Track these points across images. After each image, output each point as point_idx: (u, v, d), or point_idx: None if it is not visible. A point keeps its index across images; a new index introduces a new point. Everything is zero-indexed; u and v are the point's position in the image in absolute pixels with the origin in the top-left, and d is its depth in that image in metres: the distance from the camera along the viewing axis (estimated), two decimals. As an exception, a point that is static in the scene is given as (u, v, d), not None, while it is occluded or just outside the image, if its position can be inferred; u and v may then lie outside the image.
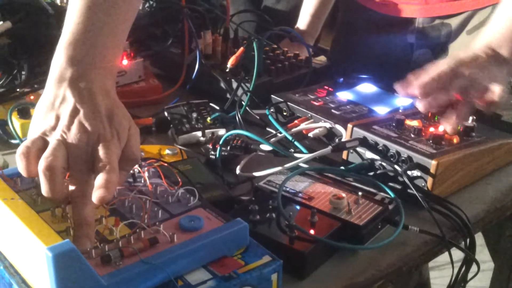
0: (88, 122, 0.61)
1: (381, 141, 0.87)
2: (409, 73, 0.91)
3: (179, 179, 0.69)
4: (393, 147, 0.86)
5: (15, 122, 0.97)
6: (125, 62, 1.13)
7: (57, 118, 0.61)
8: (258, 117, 1.06)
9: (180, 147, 0.94)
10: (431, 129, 0.91)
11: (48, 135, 0.60)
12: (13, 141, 0.98)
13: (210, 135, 0.99)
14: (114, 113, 0.63)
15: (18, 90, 1.09)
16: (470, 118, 0.94)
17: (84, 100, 0.62)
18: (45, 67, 1.11)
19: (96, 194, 0.57)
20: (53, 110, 0.62)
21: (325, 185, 0.81)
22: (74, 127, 0.60)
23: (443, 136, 0.88)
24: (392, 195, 0.80)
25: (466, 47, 1.02)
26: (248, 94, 1.06)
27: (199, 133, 0.99)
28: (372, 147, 0.88)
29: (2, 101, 1.05)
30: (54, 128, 0.61)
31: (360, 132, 0.90)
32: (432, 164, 0.82)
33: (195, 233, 0.60)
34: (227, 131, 0.99)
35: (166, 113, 1.07)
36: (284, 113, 1.06)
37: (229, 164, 0.92)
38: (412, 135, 0.89)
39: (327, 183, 0.82)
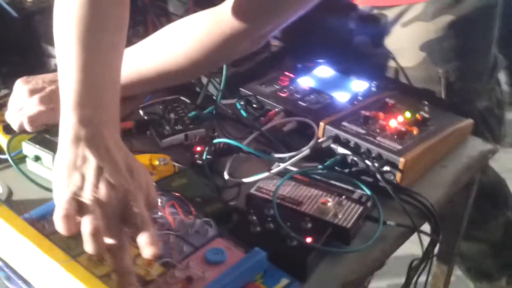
0: (113, 179, 0.67)
1: (352, 139, 0.97)
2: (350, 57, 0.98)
3: (192, 209, 0.77)
4: (364, 145, 0.96)
5: (1, 138, 1.00)
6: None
7: (83, 178, 0.67)
8: (230, 111, 1.14)
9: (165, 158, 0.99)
10: (392, 122, 1.01)
11: (79, 195, 0.66)
12: (1, 156, 1.01)
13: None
14: (131, 165, 0.69)
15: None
16: (426, 105, 1.06)
17: (104, 158, 0.68)
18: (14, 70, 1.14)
19: (149, 252, 0.64)
20: (76, 170, 0.67)
21: (308, 188, 0.91)
22: (102, 186, 0.66)
23: (406, 130, 0.99)
24: (369, 193, 0.91)
25: (401, 39, 1.12)
26: (220, 92, 1.12)
27: (181, 136, 1.05)
28: (345, 144, 0.98)
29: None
30: (81, 187, 0.66)
31: (331, 130, 1.00)
32: (401, 161, 0.93)
33: (221, 265, 0.69)
34: (206, 131, 1.07)
35: (141, 112, 1.13)
36: (254, 105, 1.14)
37: (214, 166, 1.00)
38: (378, 131, 0.99)
39: (309, 185, 0.92)
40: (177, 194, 0.80)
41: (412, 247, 0.93)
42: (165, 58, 0.91)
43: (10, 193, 0.90)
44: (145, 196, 0.69)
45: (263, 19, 0.89)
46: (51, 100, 0.94)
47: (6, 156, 0.99)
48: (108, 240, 0.66)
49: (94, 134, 0.69)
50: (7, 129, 1.01)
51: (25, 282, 0.70)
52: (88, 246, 0.64)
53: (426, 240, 0.92)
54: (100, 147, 0.68)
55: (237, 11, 0.89)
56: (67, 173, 0.67)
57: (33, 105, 0.94)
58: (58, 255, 0.64)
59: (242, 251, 0.72)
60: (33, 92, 0.94)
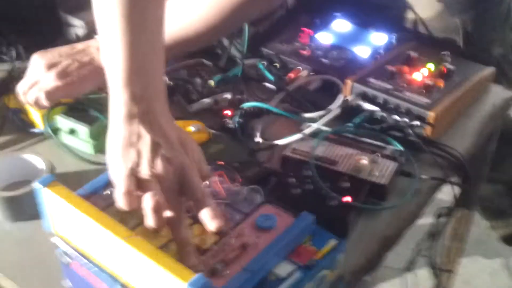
0: (168, 153, 0.69)
1: (381, 95, 0.99)
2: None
3: (236, 176, 0.79)
4: (393, 101, 0.98)
5: (34, 113, 1.01)
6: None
7: (139, 154, 0.68)
8: (254, 72, 1.15)
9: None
10: (417, 75, 1.03)
11: (137, 171, 0.68)
12: (34, 130, 1.02)
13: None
14: (183, 138, 0.71)
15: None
16: (448, 55, 1.07)
17: (158, 134, 0.69)
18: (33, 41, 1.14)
19: (214, 226, 0.66)
20: (131, 147, 0.69)
21: (341, 146, 0.93)
22: (159, 161, 0.68)
23: (433, 84, 1.00)
24: (402, 148, 0.93)
25: None
26: (244, 53, 1.13)
27: (209, 100, 1.07)
28: (373, 101, 1.00)
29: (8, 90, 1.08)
30: (138, 163, 0.68)
31: (359, 87, 1.01)
32: (430, 115, 0.95)
33: (273, 231, 0.72)
34: (232, 93, 1.08)
35: (165, 78, 1.14)
36: (275, 64, 1.15)
37: (245, 129, 1.01)
38: (405, 85, 1.01)
39: (342, 143, 0.94)
40: (221, 162, 0.82)
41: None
42: (182, 25, 0.91)
43: (52, 167, 0.91)
44: (198, 168, 0.71)
45: None
46: (68, 74, 0.94)
47: (41, 130, 1.01)
48: (167, 213, 0.68)
49: (146, 110, 0.70)
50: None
51: (85, 256, 0.72)
52: (150, 220, 0.66)
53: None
54: (154, 122, 0.70)
55: None
56: (122, 150, 0.69)
57: (50, 80, 0.94)
58: (121, 230, 0.67)
59: (291, 215, 0.74)
60: (50, 66, 0.94)
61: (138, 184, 0.68)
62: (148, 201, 0.66)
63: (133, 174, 0.68)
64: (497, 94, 1.10)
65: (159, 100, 0.72)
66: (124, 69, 0.71)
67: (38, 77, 0.96)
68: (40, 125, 1.01)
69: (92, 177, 0.77)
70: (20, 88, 0.97)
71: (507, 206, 1.59)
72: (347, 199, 0.84)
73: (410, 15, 1.20)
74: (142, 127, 0.69)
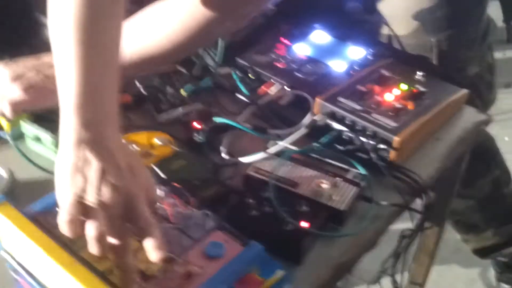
0: (115, 181, 0.68)
1: (348, 116, 0.99)
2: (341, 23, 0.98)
3: (190, 199, 0.79)
4: (360, 123, 0.98)
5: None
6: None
7: (85, 180, 0.68)
8: (227, 82, 1.15)
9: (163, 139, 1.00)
10: (388, 96, 1.02)
11: (82, 198, 0.67)
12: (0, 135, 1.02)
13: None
14: (133, 165, 0.70)
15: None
16: (420, 75, 1.07)
17: (106, 160, 0.68)
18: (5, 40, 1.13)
19: (155, 256, 0.66)
20: (78, 173, 0.68)
21: (303, 167, 0.93)
22: (105, 189, 0.67)
23: (401, 106, 1.00)
24: (364, 172, 0.93)
25: (395, 7, 1.11)
26: (217, 64, 1.13)
27: (178, 111, 1.06)
28: (340, 121, 1.00)
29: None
30: (84, 190, 0.67)
31: (327, 106, 1.01)
32: (395, 140, 0.95)
33: (221, 260, 0.72)
34: (203, 104, 1.08)
35: (138, 84, 1.13)
36: (249, 75, 1.15)
37: (212, 142, 1.01)
38: (374, 106, 1.01)
39: (305, 164, 0.94)
40: (176, 184, 0.81)
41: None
42: (148, 43, 0.90)
43: (12, 176, 0.91)
44: (146, 194, 0.71)
45: (244, 1, 0.88)
46: (32, 86, 0.94)
47: (6, 136, 1.01)
48: (112, 240, 0.68)
49: (96, 136, 0.70)
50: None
51: (30, 275, 0.72)
52: (93, 248, 0.66)
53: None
54: (102, 148, 0.69)
55: None
56: (70, 175, 0.68)
57: (15, 92, 0.93)
58: (61, 255, 0.67)
59: (240, 244, 0.74)
60: (14, 78, 0.94)
61: (83, 210, 0.67)
62: (90, 230, 0.66)
63: (79, 200, 0.67)
64: (469, 117, 1.09)
65: (111, 125, 0.71)
66: (76, 94, 0.70)
67: (2, 89, 0.95)
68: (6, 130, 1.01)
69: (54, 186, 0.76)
70: None
71: (480, 221, 1.60)
72: (304, 224, 0.84)
73: (386, 31, 1.19)
74: (90, 153, 0.69)
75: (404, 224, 0.99)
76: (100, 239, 0.66)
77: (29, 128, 0.98)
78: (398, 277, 1.14)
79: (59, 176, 0.69)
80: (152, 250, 0.67)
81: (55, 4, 0.74)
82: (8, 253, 0.75)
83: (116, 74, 0.74)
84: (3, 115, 0.96)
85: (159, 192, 0.80)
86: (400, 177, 0.96)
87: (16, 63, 0.95)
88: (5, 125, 0.99)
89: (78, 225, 0.66)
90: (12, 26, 1.18)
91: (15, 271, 0.75)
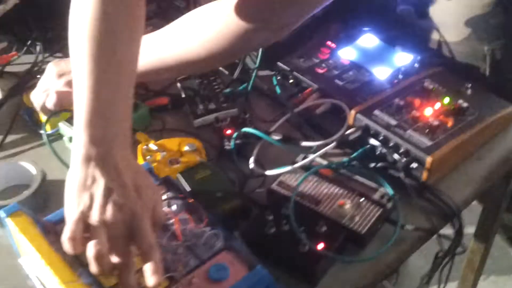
0: (120, 200, 0.69)
1: (382, 131, 0.95)
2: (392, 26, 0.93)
3: (204, 216, 0.79)
4: (394, 139, 0.94)
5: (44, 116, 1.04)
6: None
7: (91, 198, 0.69)
8: (265, 87, 1.13)
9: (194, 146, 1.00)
10: (428, 111, 0.98)
11: (87, 216, 0.68)
12: (41, 132, 1.05)
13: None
14: (139, 185, 0.71)
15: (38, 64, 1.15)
16: (468, 87, 1.01)
17: (113, 178, 0.69)
18: (59, 29, 1.15)
19: (152, 281, 0.66)
20: (86, 190, 0.69)
21: (329, 184, 0.91)
22: (109, 208, 0.68)
23: (439, 123, 0.95)
24: (391, 192, 0.89)
25: (446, 12, 1.05)
26: (255, 69, 1.11)
27: (212, 117, 1.06)
28: (374, 136, 0.96)
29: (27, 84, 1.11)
30: (90, 207, 0.68)
31: (362, 119, 0.97)
32: (427, 160, 0.90)
33: (223, 283, 0.72)
34: (238, 110, 1.07)
35: (178, 85, 1.14)
36: (290, 81, 1.12)
37: (242, 151, 1.00)
38: (411, 122, 0.96)
39: (331, 181, 0.92)
40: (191, 200, 0.81)
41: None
42: (185, 48, 0.90)
43: (43, 176, 0.94)
44: (152, 215, 0.71)
45: (280, 11, 0.85)
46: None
47: (48, 132, 1.03)
48: (114, 259, 0.69)
49: (104, 154, 0.70)
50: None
51: (43, 284, 0.75)
52: (93, 267, 0.67)
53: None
54: (110, 167, 0.70)
55: (252, 2, 0.86)
56: (77, 192, 0.70)
57: (59, 87, 0.96)
58: (64, 273, 0.68)
59: (246, 267, 0.74)
60: (61, 75, 0.96)
61: (88, 229, 0.69)
62: (90, 249, 0.67)
63: (83, 218, 0.68)
64: (517, 135, 1.03)
65: (120, 143, 0.72)
66: (87, 110, 0.71)
67: (49, 84, 0.98)
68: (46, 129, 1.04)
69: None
70: (32, 95, 1.01)
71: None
72: (321, 245, 0.82)
73: (436, 37, 1.14)
74: (97, 171, 0.69)
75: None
76: (99, 259, 0.67)
77: (66, 129, 1.01)
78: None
79: (67, 192, 0.71)
80: (149, 275, 0.67)
81: (73, 16, 0.74)
82: (25, 261, 0.77)
83: (129, 91, 0.75)
84: (44, 110, 0.99)
85: (173, 207, 0.81)
86: (431, 199, 0.92)
87: (64, 60, 0.98)
88: (43, 125, 1.02)
89: (79, 242, 0.68)
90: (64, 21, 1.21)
91: (29, 278, 0.77)
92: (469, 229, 1.31)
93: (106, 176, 0.69)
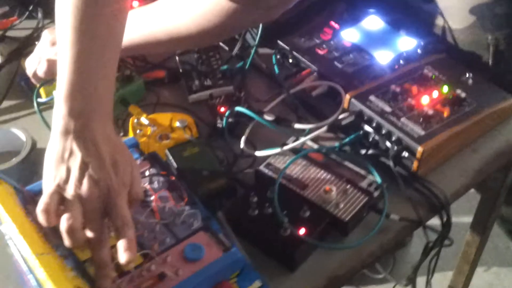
0: (96, 175, 0.68)
1: (375, 118, 0.94)
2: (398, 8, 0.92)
3: (184, 195, 0.79)
4: (386, 127, 0.92)
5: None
6: (135, 3, 1.16)
7: (68, 171, 0.68)
8: (264, 65, 1.12)
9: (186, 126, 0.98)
10: (425, 99, 0.96)
11: (63, 189, 0.68)
12: (39, 100, 1.04)
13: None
14: (117, 160, 0.70)
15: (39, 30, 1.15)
16: (468, 77, 0.99)
17: (90, 152, 0.69)
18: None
19: (124, 258, 0.66)
20: (63, 163, 0.69)
21: (318, 169, 0.90)
22: (85, 182, 0.68)
23: (434, 113, 0.93)
24: (379, 181, 0.88)
25: None
26: (254, 47, 1.09)
27: (207, 93, 1.05)
28: (367, 122, 0.95)
29: (26, 50, 1.10)
30: (66, 181, 0.68)
31: (356, 104, 0.96)
32: (418, 150, 0.89)
33: (197, 263, 0.71)
34: (234, 88, 1.06)
35: (177, 59, 1.12)
36: (290, 60, 1.11)
37: (235, 130, 0.99)
38: (405, 109, 0.95)
39: (320, 165, 0.90)
40: (173, 177, 0.81)
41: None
42: (176, 23, 0.88)
43: (33, 143, 0.94)
44: (129, 191, 0.71)
45: None
46: None
47: (44, 100, 1.03)
48: (88, 233, 0.69)
49: (83, 127, 0.70)
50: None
51: (20, 252, 0.75)
52: (66, 241, 0.67)
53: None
54: (88, 141, 0.70)
55: None
56: (55, 165, 0.69)
57: (51, 55, 0.95)
58: (37, 244, 0.69)
59: (222, 249, 0.73)
60: (54, 43, 0.95)
61: (62, 201, 0.68)
62: (63, 222, 0.67)
63: (59, 191, 0.68)
64: (516, 128, 1.01)
65: (100, 116, 0.71)
66: (68, 82, 0.70)
67: (42, 52, 0.98)
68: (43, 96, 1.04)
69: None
70: (26, 62, 1.00)
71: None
72: (302, 231, 0.82)
73: (440, 22, 1.11)
74: (75, 144, 0.69)
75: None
76: (72, 232, 0.67)
77: (58, 98, 1.00)
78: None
79: (45, 164, 0.70)
80: (121, 251, 0.67)
81: None
82: (4, 229, 0.77)
83: (111, 64, 0.74)
84: (36, 77, 0.99)
85: (155, 184, 0.80)
86: (420, 190, 0.90)
87: None
88: (35, 93, 1.02)
89: (53, 215, 0.68)
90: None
91: (10, 246, 0.77)
92: (467, 219, 1.30)
93: (83, 150, 0.69)
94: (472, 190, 1.29)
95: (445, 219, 0.89)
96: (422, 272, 1.01)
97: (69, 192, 0.68)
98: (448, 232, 0.89)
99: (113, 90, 0.74)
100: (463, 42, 1.09)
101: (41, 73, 0.97)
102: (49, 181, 0.69)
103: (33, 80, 1.00)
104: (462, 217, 1.41)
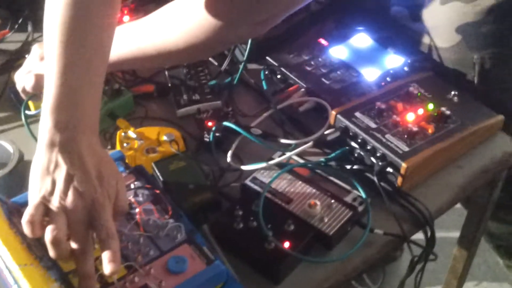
0: (81, 187, 0.69)
1: (360, 134, 0.95)
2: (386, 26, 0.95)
3: (169, 208, 0.79)
4: (371, 143, 0.93)
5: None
6: (126, 18, 1.17)
7: (53, 183, 0.69)
8: (252, 81, 1.13)
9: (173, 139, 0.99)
10: (410, 116, 0.97)
11: (48, 201, 0.69)
12: (27, 112, 1.05)
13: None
14: (102, 173, 0.71)
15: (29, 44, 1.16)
16: (454, 95, 1.00)
17: (75, 165, 0.69)
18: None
19: (108, 269, 0.66)
20: (48, 175, 0.69)
21: (303, 183, 0.90)
22: (70, 194, 0.68)
23: (418, 130, 0.94)
24: (364, 196, 0.89)
25: (438, 17, 1.05)
26: (243, 63, 1.11)
27: (195, 107, 1.06)
28: (353, 138, 0.96)
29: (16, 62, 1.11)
30: (51, 193, 0.69)
31: (342, 121, 0.97)
32: (402, 166, 0.90)
33: (181, 275, 0.72)
34: (222, 103, 1.07)
35: (166, 73, 1.13)
36: (278, 76, 1.12)
37: (222, 144, 1.00)
38: (390, 126, 0.96)
39: (305, 180, 0.91)
40: (157, 191, 0.81)
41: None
42: (164, 39, 0.89)
43: (20, 156, 0.94)
44: (114, 203, 0.71)
45: (255, 7, 0.84)
46: None
47: (32, 113, 1.04)
48: (73, 244, 0.69)
49: (68, 139, 0.70)
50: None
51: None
52: (50, 252, 0.68)
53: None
54: (73, 153, 0.70)
55: None
56: (40, 177, 0.70)
57: (41, 69, 0.96)
58: (21, 255, 0.69)
59: (204, 262, 0.74)
60: (42, 57, 0.96)
61: (47, 213, 0.69)
62: (48, 234, 0.67)
63: (44, 203, 0.69)
64: (501, 145, 1.02)
65: (86, 129, 0.72)
66: (54, 95, 0.71)
67: (31, 66, 0.99)
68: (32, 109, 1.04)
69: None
70: (16, 76, 1.01)
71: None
72: (287, 244, 0.82)
73: (426, 41, 1.13)
74: (60, 157, 0.70)
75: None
76: (56, 244, 0.67)
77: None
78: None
79: (31, 176, 0.71)
80: (106, 262, 0.67)
81: (47, 2, 0.74)
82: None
83: (98, 78, 0.75)
84: (24, 91, 1.00)
85: (139, 197, 0.81)
86: (405, 205, 0.91)
87: None
88: (22, 106, 1.02)
89: (38, 226, 0.68)
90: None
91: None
92: (455, 234, 1.30)
93: (68, 163, 0.70)
94: (460, 206, 1.30)
95: (429, 234, 0.90)
96: (410, 286, 1.01)
97: (54, 204, 0.69)
98: (432, 247, 0.90)
99: (99, 103, 0.75)
100: (449, 60, 1.10)
101: (29, 87, 0.97)
102: (34, 193, 0.70)
103: (22, 94, 1.01)
104: (451, 232, 1.41)
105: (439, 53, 1.11)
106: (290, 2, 0.83)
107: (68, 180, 0.69)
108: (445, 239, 0.97)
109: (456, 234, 1.26)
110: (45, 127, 0.71)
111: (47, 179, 0.70)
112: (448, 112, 0.98)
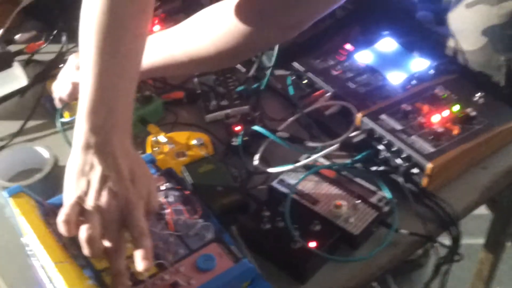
0: (115, 188, 0.72)
1: (386, 136, 0.96)
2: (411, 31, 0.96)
3: (198, 209, 0.82)
4: (396, 144, 0.95)
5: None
6: (157, 28, 1.21)
7: (88, 184, 0.72)
8: (279, 86, 1.15)
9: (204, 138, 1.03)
10: (435, 118, 0.98)
11: (83, 201, 0.72)
12: (61, 120, 1.09)
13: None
14: (135, 174, 0.74)
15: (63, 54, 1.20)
16: (479, 96, 1.01)
17: (109, 166, 0.72)
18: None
19: (141, 266, 0.69)
20: (83, 176, 0.72)
21: (329, 185, 0.92)
22: (105, 194, 0.72)
23: (444, 130, 0.95)
24: (390, 196, 0.90)
25: (463, 21, 1.05)
26: (270, 69, 1.13)
27: (223, 113, 1.09)
28: (378, 140, 0.97)
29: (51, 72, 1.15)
30: (86, 193, 0.72)
31: (368, 123, 0.98)
32: (428, 166, 0.91)
33: (209, 273, 0.74)
34: (250, 108, 1.09)
35: (196, 80, 1.16)
36: (304, 82, 1.14)
37: (250, 148, 1.02)
38: (416, 127, 0.97)
39: (332, 182, 0.93)
40: (187, 192, 0.84)
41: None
42: (195, 46, 0.92)
43: (55, 161, 0.98)
44: (146, 203, 0.74)
45: (284, 11, 0.86)
46: None
47: (67, 120, 1.08)
48: (106, 243, 0.72)
49: (103, 142, 0.73)
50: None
51: (41, 263, 0.79)
52: (85, 250, 0.71)
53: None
54: (108, 155, 0.73)
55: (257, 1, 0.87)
56: (76, 178, 0.73)
57: (77, 78, 0.99)
58: (57, 253, 0.72)
59: (232, 261, 0.76)
60: (78, 67, 1.00)
61: (82, 213, 0.72)
62: (83, 232, 0.70)
63: (79, 203, 0.72)
64: (527, 146, 1.02)
65: (120, 132, 0.75)
66: (90, 99, 0.74)
67: (68, 75, 1.03)
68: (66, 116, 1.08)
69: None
70: (53, 86, 1.05)
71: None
72: (313, 244, 0.84)
73: (452, 44, 1.14)
74: (95, 159, 0.73)
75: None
76: (91, 242, 0.70)
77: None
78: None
79: (67, 177, 0.74)
80: (139, 260, 0.70)
81: (84, 9, 0.78)
82: (26, 241, 0.81)
83: (132, 83, 0.78)
84: (61, 99, 1.04)
85: (170, 198, 0.83)
86: (430, 206, 0.92)
87: None
88: (59, 112, 1.06)
89: (73, 225, 0.71)
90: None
91: (30, 257, 0.81)
92: (480, 240, 1.30)
93: (103, 164, 0.73)
94: (487, 211, 1.30)
95: (454, 235, 0.90)
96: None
97: (89, 204, 0.72)
98: (458, 247, 0.90)
99: (132, 107, 0.78)
100: (475, 63, 1.11)
101: (65, 94, 1.01)
102: (70, 193, 0.73)
103: (58, 102, 1.05)
104: (476, 238, 1.41)
105: (465, 56, 1.12)
106: (317, 7, 0.85)
107: (103, 180, 0.72)
108: (470, 245, 0.97)
109: (481, 240, 1.26)
110: (81, 130, 0.74)
111: (82, 180, 0.73)
112: (473, 113, 0.99)
